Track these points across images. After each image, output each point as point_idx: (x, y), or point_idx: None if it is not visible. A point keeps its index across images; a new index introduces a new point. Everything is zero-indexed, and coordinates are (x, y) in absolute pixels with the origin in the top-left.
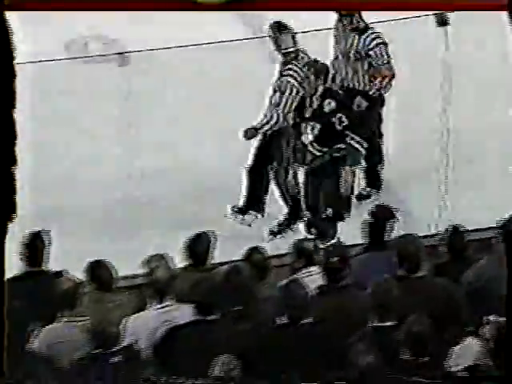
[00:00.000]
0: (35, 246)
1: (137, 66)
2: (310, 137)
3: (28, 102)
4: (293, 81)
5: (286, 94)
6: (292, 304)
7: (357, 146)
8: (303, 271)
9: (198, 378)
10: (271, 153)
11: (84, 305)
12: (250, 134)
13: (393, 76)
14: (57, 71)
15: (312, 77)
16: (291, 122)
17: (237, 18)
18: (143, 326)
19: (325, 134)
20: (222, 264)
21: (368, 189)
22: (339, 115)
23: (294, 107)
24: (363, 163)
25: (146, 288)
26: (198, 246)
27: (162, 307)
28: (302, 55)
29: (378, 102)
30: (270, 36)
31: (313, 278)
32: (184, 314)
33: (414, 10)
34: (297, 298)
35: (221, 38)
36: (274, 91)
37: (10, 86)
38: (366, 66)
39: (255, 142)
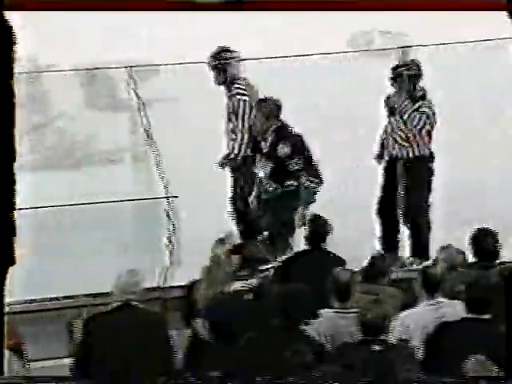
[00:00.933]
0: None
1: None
2: (262, 173)
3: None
4: (244, 97)
5: (240, 111)
6: None
7: (311, 185)
8: None
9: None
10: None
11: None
12: (220, 163)
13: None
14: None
15: (261, 116)
16: (249, 153)
17: None
18: (416, 322)
19: (277, 172)
20: None
21: (411, 258)
22: (295, 159)
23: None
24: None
25: (417, 282)
26: (485, 242)
27: (434, 303)
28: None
29: (304, 148)
30: (214, 64)
31: None
32: (455, 310)
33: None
34: None
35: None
36: (229, 116)
37: (9, 88)
38: (406, 130)
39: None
